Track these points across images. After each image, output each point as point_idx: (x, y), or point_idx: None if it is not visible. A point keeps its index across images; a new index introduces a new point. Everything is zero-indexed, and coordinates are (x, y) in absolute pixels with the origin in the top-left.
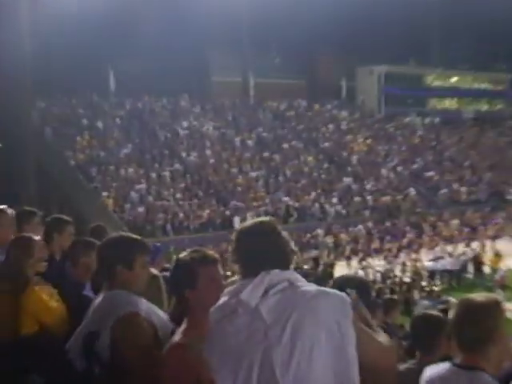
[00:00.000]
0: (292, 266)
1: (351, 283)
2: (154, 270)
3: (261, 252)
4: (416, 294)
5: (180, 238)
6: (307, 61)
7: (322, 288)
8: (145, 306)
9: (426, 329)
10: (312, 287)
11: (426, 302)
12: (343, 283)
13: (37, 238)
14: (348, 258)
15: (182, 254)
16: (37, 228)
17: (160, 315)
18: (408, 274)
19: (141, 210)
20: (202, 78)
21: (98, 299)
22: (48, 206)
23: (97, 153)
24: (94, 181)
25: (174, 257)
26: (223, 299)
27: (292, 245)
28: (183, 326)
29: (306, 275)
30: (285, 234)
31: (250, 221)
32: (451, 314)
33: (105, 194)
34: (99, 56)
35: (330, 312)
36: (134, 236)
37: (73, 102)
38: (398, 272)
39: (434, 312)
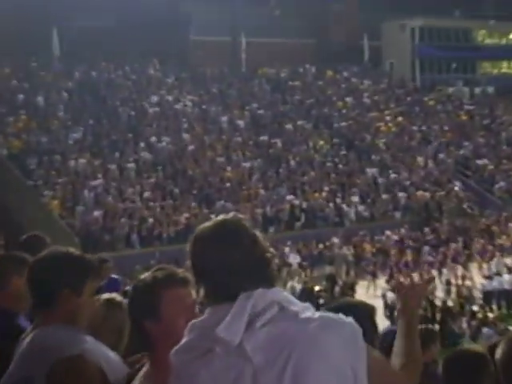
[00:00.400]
0: (276, 282)
1: (349, 310)
2: (111, 295)
3: (232, 266)
4: (463, 323)
5: (149, 251)
6: (317, 13)
7: (326, 314)
8: (91, 345)
9: (462, 372)
10: (311, 313)
11: (490, 332)
12: (337, 311)
13: None
14: (373, 276)
15: (144, 274)
16: None
17: (111, 357)
18: (453, 295)
19: (97, 214)
20: (178, 38)
21: (30, 336)
22: None
23: (37, 139)
24: (33, 176)
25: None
26: (190, 335)
27: (271, 251)
28: (144, 370)
29: (318, 300)
30: (259, 235)
31: (209, 222)
32: (499, 352)
33: (48, 193)
34: (39, 8)
35: (341, 351)
36: (82, 253)
37: (5, 71)
38: (439, 293)
39: (477, 348)
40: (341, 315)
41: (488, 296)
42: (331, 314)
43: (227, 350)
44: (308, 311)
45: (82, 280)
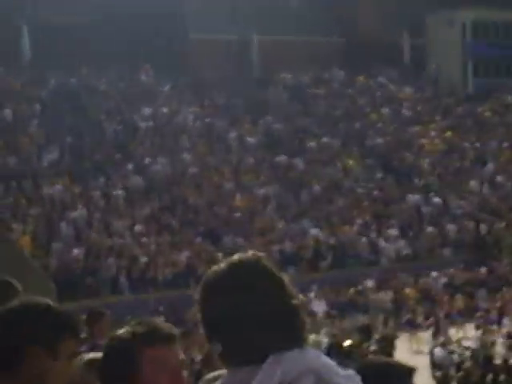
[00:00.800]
0: (308, 338)
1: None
2: (95, 355)
3: (255, 318)
4: None
5: (142, 298)
6: (345, 5)
7: None
8: None
9: None
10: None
11: None
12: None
13: None
14: (416, 328)
15: (122, 329)
16: None
17: None
18: None
19: (77, 252)
20: (175, 37)
21: None
22: None
23: (3, 160)
24: None
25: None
26: None
27: (298, 298)
28: None
29: (348, 357)
30: (285, 278)
31: (222, 264)
32: None
33: (17, 227)
34: (5, 3)
35: None
36: (59, 306)
37: None
38: (499, 349)
39: None
40: None
41: None
42: None
43: None
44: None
45: (57, 338)
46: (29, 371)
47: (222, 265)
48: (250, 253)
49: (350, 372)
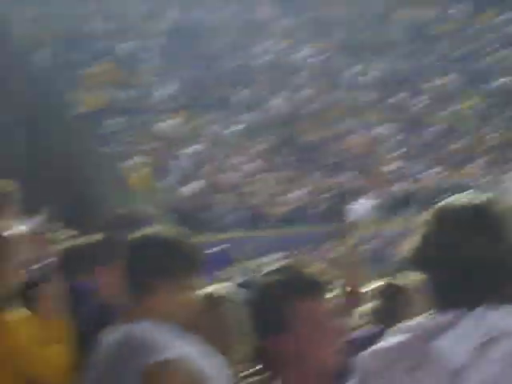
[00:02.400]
0: None
1: None
2: (216, 289)
3: (485, 265)
4: None
5: (255, 235)
6: None
7: None
8: (189, 347)
9: None
10: None
11: None
12: None
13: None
14: None
15: (267, 275)
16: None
17: (214, 365)
18: None
19: (192, 188)
20: None
21: (118, 332)
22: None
23: (119, 94)
24: (112, 142)
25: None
26: (400, 337)
27: None
28: None
29: None
30: None
31: (464, 201)
32: None
33: (133, 161)
34: None
35: None
36: (192, 242)
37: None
38: None
39: None
40: None
41: None
42: None
43: (439, 373)
44: None
45: (187, 270)
46: (157, 302)
47: (466, 203)
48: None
49: None
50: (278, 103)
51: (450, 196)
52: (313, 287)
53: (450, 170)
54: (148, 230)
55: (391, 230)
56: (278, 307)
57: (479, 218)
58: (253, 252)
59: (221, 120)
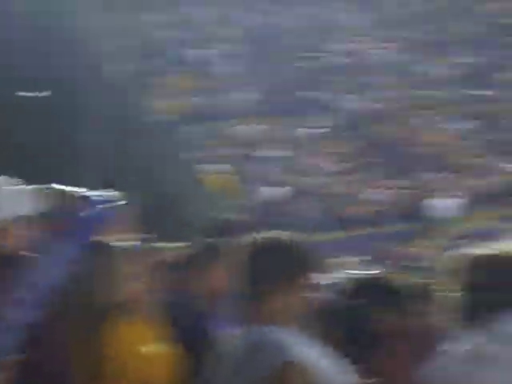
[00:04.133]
0: None
1: None
2: None
3: None
4: None
5: (341, 236)
6: None
7: None
8: (309, 350)
9: None
10: None
11: None
12: None
13: None
14: None
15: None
16: None
17: (333, 362)
18: None
19: (273, 192)
20: None
21: (241, 339)
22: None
23: (197, 100)
24: (192, 146)
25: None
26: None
27: None
28: None
29: None
30: None
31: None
32: None
33: (209, 167)
34: None
35: None
36: (301, 242)
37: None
38: None
39: None
40: None
41: None
42: None
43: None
44: None
45: (300, 272)
46: (275, 305)
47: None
48: None
49: None
50: (355, 104)
51: None
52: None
53: None
54: (261, 236)
55: (478, 228)
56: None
57: None
58: (338, 253)
59: (300, 123)
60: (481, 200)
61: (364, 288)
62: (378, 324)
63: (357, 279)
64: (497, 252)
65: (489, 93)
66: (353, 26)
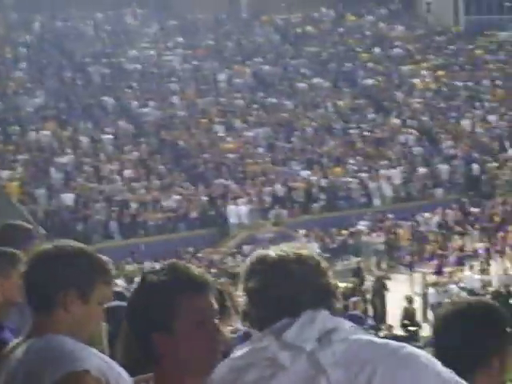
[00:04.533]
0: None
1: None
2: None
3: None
4: None
5: (132, 242)
6: None
7: (405, 345)
8: (98, 360)
9: None
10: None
11: None
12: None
13: None
14: (410, 268)
15: (149, 275)
16: None
17: (121, 373)
18: None
19: (66, 198)
20: None
21: (22, 348)
22: None
23: None
24: None
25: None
26: (242, 349)
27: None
28: None
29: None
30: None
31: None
32: None
33: (4, 173)
34: None
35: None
36: (92, 250)
37: None
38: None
39: None
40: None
41: None
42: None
43: (297, 358)
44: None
45: (91, 282)
46: (62, 314)
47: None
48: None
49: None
50: (148, 110)
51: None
52: (195, 284)
53: (321, 172)
54: (54, 243)
55: (264, 234)
56: (160, 304)
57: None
58: (132, 259)
59: (91, 129)
60: (271, 206)
61: None
62: None
63: None
64: (273, 254)
65: (285, 101)
66: (150, 32)
